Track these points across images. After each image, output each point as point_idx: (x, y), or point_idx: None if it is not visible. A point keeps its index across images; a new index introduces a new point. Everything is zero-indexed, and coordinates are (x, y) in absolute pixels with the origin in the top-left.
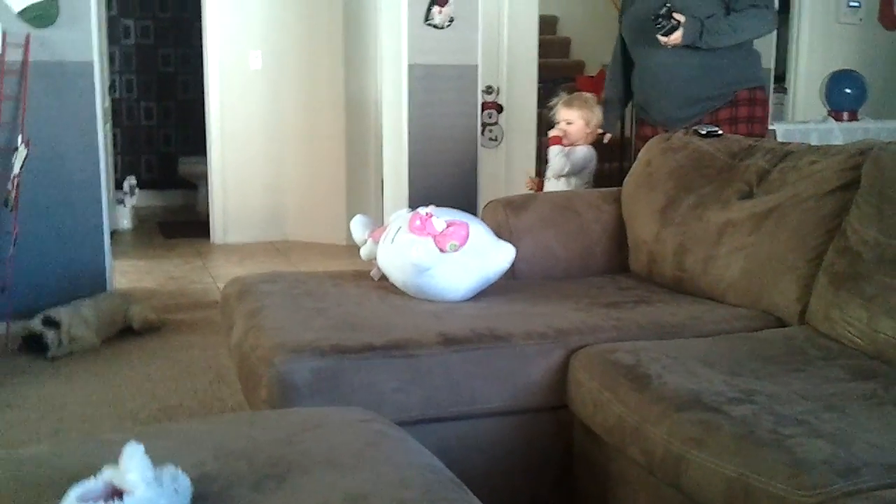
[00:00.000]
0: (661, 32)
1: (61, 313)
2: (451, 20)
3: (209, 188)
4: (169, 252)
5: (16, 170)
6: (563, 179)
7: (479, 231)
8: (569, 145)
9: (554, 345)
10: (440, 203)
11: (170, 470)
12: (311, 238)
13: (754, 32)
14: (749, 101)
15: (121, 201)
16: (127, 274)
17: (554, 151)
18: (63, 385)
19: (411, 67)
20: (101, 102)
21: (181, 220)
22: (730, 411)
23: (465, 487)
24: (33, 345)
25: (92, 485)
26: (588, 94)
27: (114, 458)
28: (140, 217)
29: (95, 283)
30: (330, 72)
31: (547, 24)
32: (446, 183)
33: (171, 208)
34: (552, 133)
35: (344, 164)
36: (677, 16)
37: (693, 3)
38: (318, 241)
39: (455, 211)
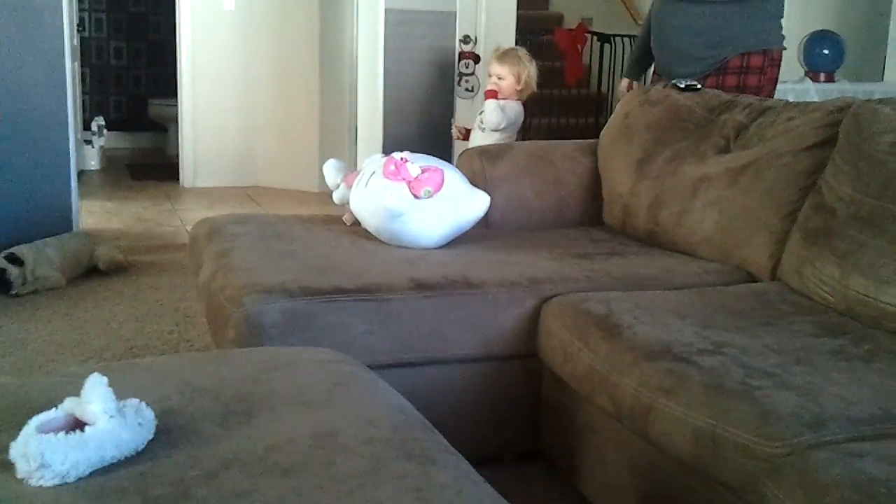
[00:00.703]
0: None
1: (24, 251)
2: None
3: (179, 131)
4: (137, 194)
5: None
6: (494, 133)
7: (453, 178)
8: (502, 99)
9: (526, 293)
10: (414, 151)
11: (133, 403)
12: (282, 184)
13: None
14: (740, 70)
15: (88, 142)
16: (94, 214)
17: (491, 106)
18: (26, 322)
19: (388, 12)
20: (69, 39)
21: (150, 163)
22: (700, 362)
23: (433, 429)
24: None
25: (53, 415)
26: (522, 50)
27: (76, 392)
28: (108, 158)
29: (61, 223)
30: (305, 14)
31: None
32: (420, 131)
33: (140, 150)
34: (488, 87)
35: (317, 110)
36: None
37: None
38: (289, 187)
39: (430, 158)
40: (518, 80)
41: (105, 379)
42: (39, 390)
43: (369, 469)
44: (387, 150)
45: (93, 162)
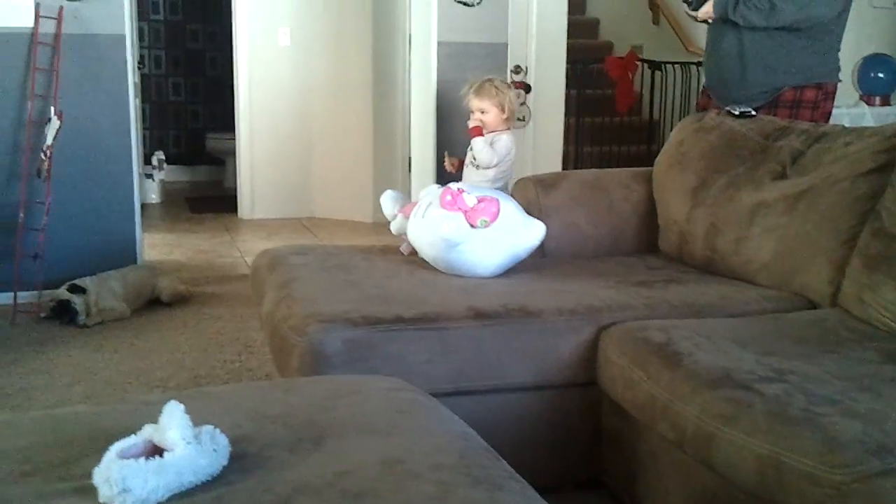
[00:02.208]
0: (691, 7)
1: (87, 282)
2: None
3: (237, 164)
4: (197, 226)
5: (49, 141)
6: (489, 170)
7: (509, 208)
8: (489, 133)
9: (584, 321)
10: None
11: (208, 430)
12: (337, 215)
13: (798, 12)
14: (792, 104)
15: (149, 175)
16: (156, 247)
17: (479, 144)
18: (93, 353)
19: (440, 45)
20: (132, 76)
21: (208, 196)
22: (762, 389)
23: (498, 456)
24: (62, 312)
25: (132, 441)
26: (498, 79)
27: (152, 419)
28: (168, 192)
29: (126, 255)
30: (358, 48)
31: (575, 5)
32: None
33: (198, 183)
34: (470, 124)
35: (371, 142)
36: None
37: None
38: (344, 217)
39: (486, 188)
40: (502, 110)
41: (182, 406)
42: (116, 417)
43: (438, 495)
44: (441, 181)
45: (153, 195)
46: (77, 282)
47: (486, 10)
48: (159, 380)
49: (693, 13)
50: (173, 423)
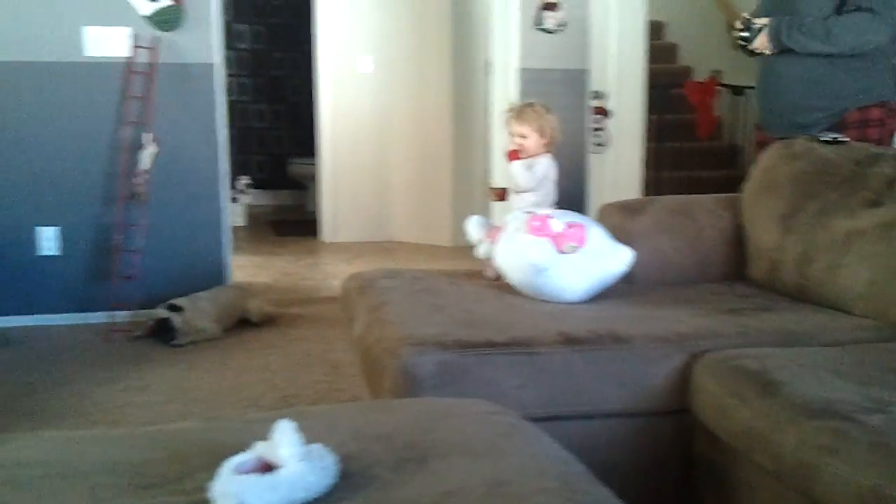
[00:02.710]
0: (747, 44)
1: (183, 302)
2: (563, 25)
3: (319, 188)
4: (281, 249)
5: (147, 165)
6: (528, 194)
7: (597, 233)
8: (528, 157)
9: (675, 349)
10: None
11: (316, 448)
12: (415, 239)
13: (855, 39)
14: (860, 124)
15: (235, 199)
16: (242, 268)
17: (517, 168)
18: (186, 371)
19: (522, 71)
20: (221, 102)
21: (291, 219)
22: (864, 420)
23: (597, 480)
24: (161, 331)
25: (245, 457)
26: (537, 104)
27: (258, 436)
28: (252, 216)
29: (216, 276)
30: (438, 75)
31: (654, 30)
32: None
33: (280, 207)
34: (510, 148)
35: (450, 167)
36: (757, 20)
37: (803, 4)
38: (423, 242)
39: (572, 213)
40: (542, 135)
41: (293, 424)
42: (223, 434)
43: None
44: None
45: (239, 219)
46: (173, 301)
47: (567, 36)
48: (250, 399)
49: (752, 47)
50: (285, 441)
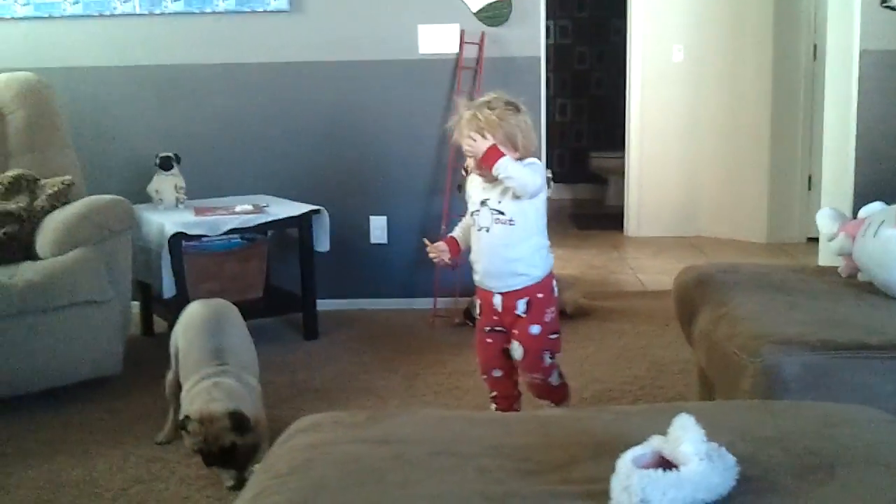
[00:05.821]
0: None
1: None
2: None
3: (626, 182)
4: (583, 242)
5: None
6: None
7: None
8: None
9: None
10: (890, 202)
11: (715, 447)
12: (725, 234)
13: None
14: None
15: None
16: None
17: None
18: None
19: (863, 53)
20: (544, 96)
21: (592, 213)
22: None
23: None
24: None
25: (641, 451)
26: (500, 101)
27: (655, 429)
28: (552, 208)
29: None
30: (755, 63)
31: None
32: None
33: (580, 201)
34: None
35: (766, 160)
36: None
37: None
38: (734, 237)
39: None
40: (513, 146)
41: (692, 418)
42: (597, 425)
43: None
44: (857, 202)
45: None
46: None
47: None
48: (574, 389)
49: None
50: (687, 437)
